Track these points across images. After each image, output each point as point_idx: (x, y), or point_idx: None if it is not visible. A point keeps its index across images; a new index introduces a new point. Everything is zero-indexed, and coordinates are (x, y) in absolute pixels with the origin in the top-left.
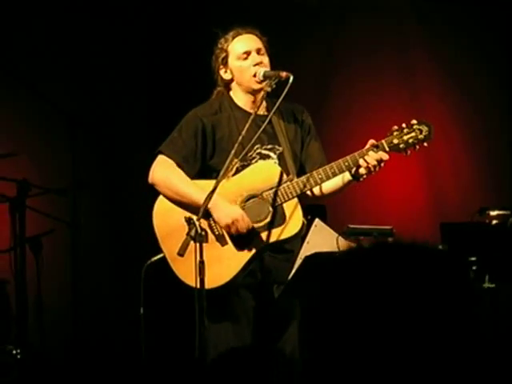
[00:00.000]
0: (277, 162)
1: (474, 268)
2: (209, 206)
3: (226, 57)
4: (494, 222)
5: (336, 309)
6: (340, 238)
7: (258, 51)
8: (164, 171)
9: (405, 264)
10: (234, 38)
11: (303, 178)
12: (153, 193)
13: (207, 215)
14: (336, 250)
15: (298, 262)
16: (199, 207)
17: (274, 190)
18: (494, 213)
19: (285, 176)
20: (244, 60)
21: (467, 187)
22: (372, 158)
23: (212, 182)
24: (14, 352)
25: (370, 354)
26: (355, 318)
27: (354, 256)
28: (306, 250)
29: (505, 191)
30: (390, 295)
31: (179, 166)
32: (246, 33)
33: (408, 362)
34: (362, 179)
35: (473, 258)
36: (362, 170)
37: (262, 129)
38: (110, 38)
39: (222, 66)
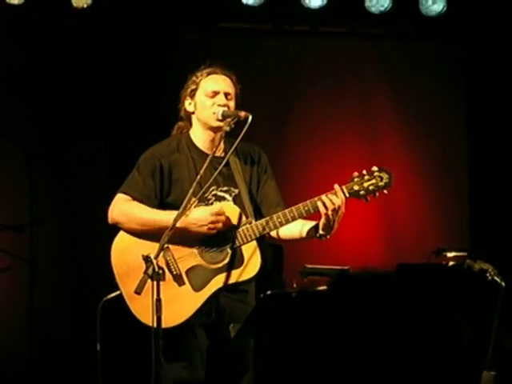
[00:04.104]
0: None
1: None
2: (182, 226)
3: (195, 90)
4: (451, 263)
5: (297, 345)
6: None
7: (227, 95)
8: (123, 207)
9: (363, 296)
10: (208, 74)
11: (263, 220)
12: (111, 230)
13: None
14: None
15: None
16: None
17: (232, 231)
18: (450, 254)
19: (244, 218)
20: (210, 98)
21: (423, 229)
22: (330, 200)
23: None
24: None
25: None
26: (313, 355)
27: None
28: None
29: (461, 233)
30: (354, 331)
31: (139, 201)
32: (222, 74)
33: None
34: (324, 238)
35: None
36: (323, 221)
37: (217, 171)
38: (70, 77)
39: (188, 97)
